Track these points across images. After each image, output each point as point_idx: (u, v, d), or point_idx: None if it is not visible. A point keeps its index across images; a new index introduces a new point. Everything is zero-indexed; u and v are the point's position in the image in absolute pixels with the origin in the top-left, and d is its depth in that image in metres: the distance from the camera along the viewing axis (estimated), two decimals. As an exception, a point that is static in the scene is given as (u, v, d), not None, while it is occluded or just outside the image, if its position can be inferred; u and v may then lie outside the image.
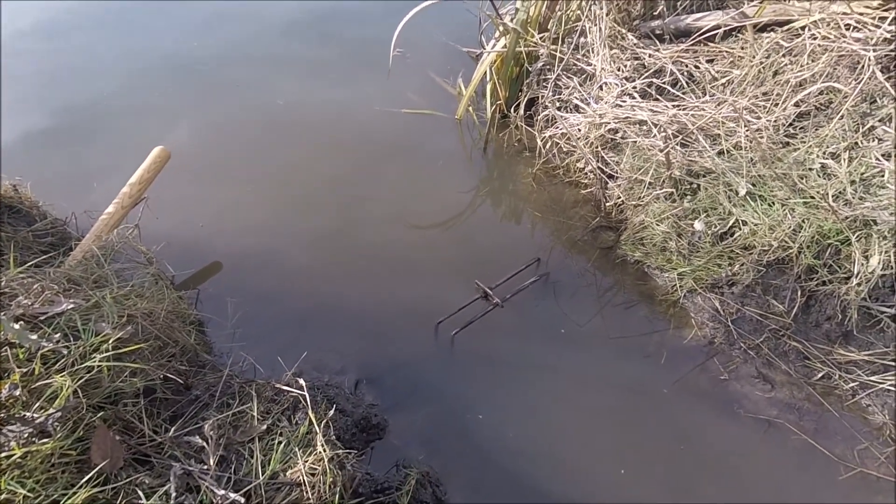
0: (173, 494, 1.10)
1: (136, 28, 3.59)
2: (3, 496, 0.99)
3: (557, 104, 2.58)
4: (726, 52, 2.42)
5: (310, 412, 1.41)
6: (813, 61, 2.17)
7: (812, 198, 1.89)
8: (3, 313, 1.24)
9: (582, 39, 2.60)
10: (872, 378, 1.75)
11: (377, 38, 3.20)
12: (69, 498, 1.02)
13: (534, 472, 1.64)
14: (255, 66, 3.26)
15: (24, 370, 1.16)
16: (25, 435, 1.06)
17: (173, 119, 2.90)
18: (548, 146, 2.57)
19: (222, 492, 1.14)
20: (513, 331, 2.01)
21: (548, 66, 2.64)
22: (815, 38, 2.19)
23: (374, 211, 2.46)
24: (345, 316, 2.05)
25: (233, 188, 2.56)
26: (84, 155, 2.70)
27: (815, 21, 2.22)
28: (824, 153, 1.99)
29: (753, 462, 1.67)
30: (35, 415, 1.09)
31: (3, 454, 1.03)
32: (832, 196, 1.88)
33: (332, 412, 1.47)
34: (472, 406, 1.79)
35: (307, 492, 1.21)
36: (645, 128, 2.25)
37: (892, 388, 1.72)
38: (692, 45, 2.48)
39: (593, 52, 2.53)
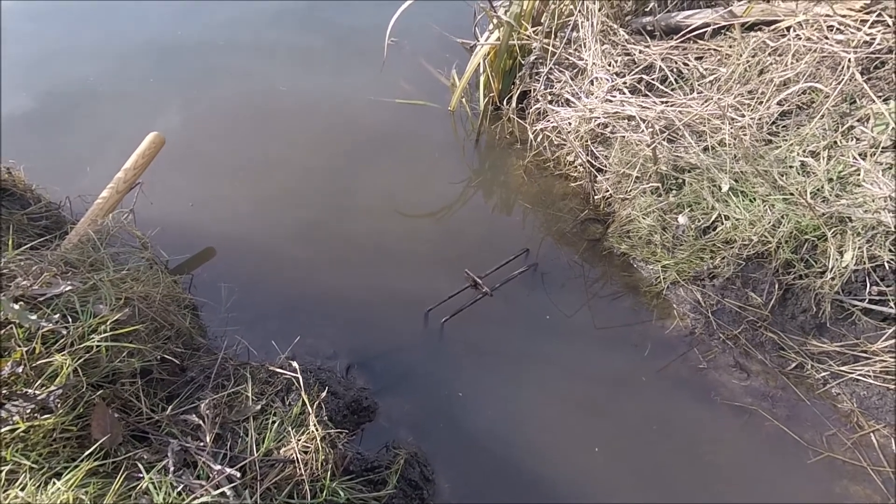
0: (171, 469, 1.15)
1: (120, 11, 3.53)
2: (8, 467, 1.03)
3: (549, 98, 2.62)
4: (714, 49, 2.47)
5: (303, 394, 1.45)
6: (797, 61, 2.22)
7: (791, 194, 1.96)
8: (2, 294, 1.27)
9: (574, 34, 2.64)
10: (843, 368, 1.83)
11: (368, 26, 3.20)
12: (71, 470, 1.06)
13: (516, 452, 1.71)
14: (243, 53, 3.24)
15: (26, 349, 1.19)
16: (28, 410, 1.10)
17: (160, 105, 2.88)
18: (539, 139, 2.62)
19: (218, 467, 1.18)
20: (501, 319, 2.07)
21: (540, 60, 2.68)
22: (799, 39, 2.25)
23: (366, 200, 2.49)
24: (336, 303, 2.09)
25: (223, 175, 2.57)
26: (70, 139, 2.68)
27: (800, 22, 2.27)
28: (804, 151, 2.06)
29: (727, 446, 1.76)
30: (37, 392, 1.13)
31: (8, 428, 1.07)
32: (810, 193, 1.95)
33: (324, 394, 1.52)
34: (460, 391, 1.85)
35: (300, 468, 1.27)
36: (633, 123, 2.31)
37: (861, 378, 1.80)
38: (681, 41, 2.53)
39: (585, 47, 2.57)
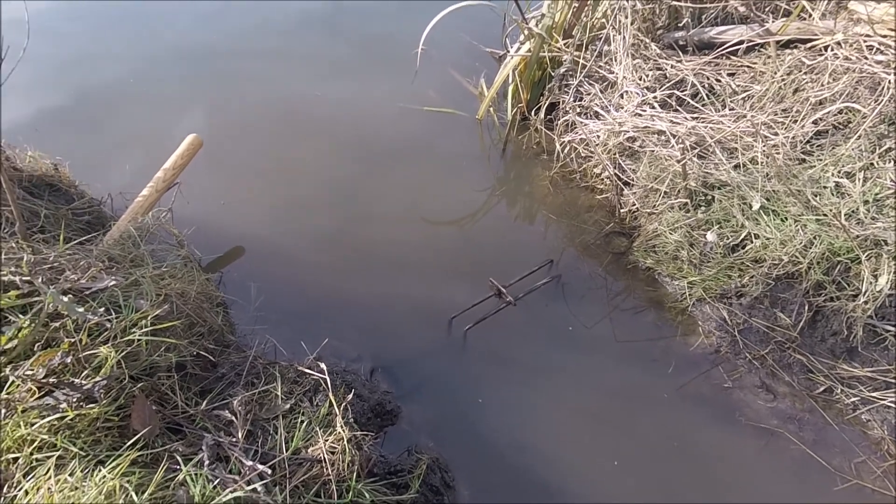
0: (206, 462, 1.18)
1: (148, 14, 3.60)
2: (58, 453, 1.08)
3: (578, 110, 2.62)
4: (748, 66, 2.46)
5: (330, 394, 1.49)
6: (834, 80, 2.20)
7: (825, 215, 1.93)
8: (53, 286, 1.33)
9: (606, 47, 2.64)
10: (874, 394, 1.79)
11: (394, 34, 3.24)
12: (115, 459, 1.11)
13: (535, 462, 1.72)
14: (269, 59, 3.29)
15: (73, 340, 1.25)
16: (75, 399, 1.15)
17: (187, 108, 2.94)
18: (566, 151, 2.62)
19: (250, 463, 1.22)
20: (524, 329, 2.08)
21: (570, 72, 2.69)
22: (837, 58, 2.22)
23: (391, 206, 2.52)
24: (360, 307, 2.12)
25: (253, 177, 2.62)
26: (103, 138, 2.75)
27: (839, 41, 2.25)
28: (839, 172, 2.03)
29: (750, 468, 1.73)
30: (83, 381, 1.18)
31: (57, 415, 1.12)
32: (845, 214, 1.92)
33: (350, 396, 1.55)
34: (481, 398, 1.86)
35: (327, 468, 1.29)
36: (663, 138, 2.30)
37: (893, 405, 1.76)
38: (715, 57, 2.51)
39: (616, 61, 2.58)
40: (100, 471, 1.06)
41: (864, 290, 1.82)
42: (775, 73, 2.32)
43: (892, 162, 1.99)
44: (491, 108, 2.91)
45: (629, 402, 1.89)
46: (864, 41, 2.20)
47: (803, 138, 2.16)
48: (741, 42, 2.47)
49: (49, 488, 1.01)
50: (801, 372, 1.89)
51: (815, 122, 2.17)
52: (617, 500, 1.65)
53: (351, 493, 1.29)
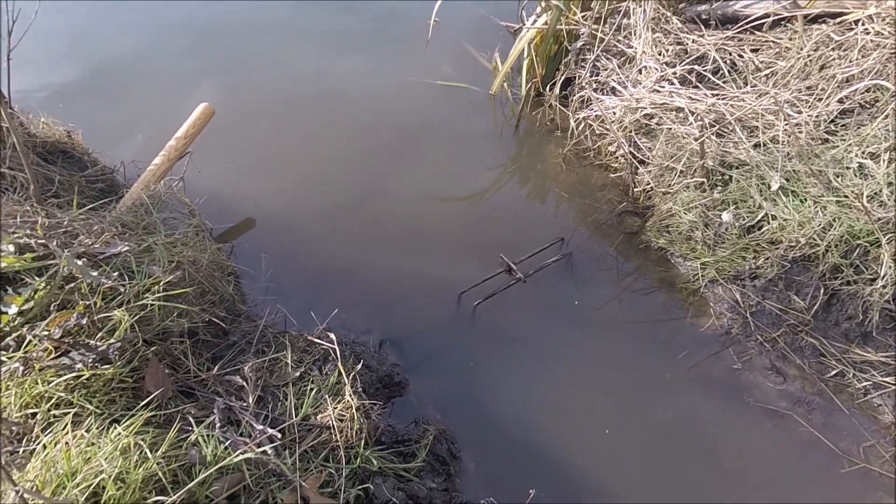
0: (217, 425, 1.21)
1: None
2: (74, 409, 1.11)
3: (594, 85, 2.56)
4: (773, 42, 2.37)
5: (339, 364, 1.50)
6: (863, 57, 2.11)
7: (846, 197, 1.88)
8: (67, 250, 1.35)
9: (625, 21, 2.57)
10: (887, 379, 1.77)
11: (408, 8, 3.17)
12: (129, 418, 1.13)
13: (539, 436, 1.73)
14: (281, 34, 3.23)
15: (87, 303, 1.26)
16: (90, 360, 1.17)
17: (199, 81, 2.90)
18: (580, 127, 2.57)
19: (260, 427, 1.24)
20: (533, 306, 2.07)
21: (588, 46, 2.62)
22: (867, 33, 2.13)
23: (403, 182, 2.50)
24: (371, 281, 2.13)
25: (264, 151, 2.60)
26: (112, 109, 2.74)
27: (870, 15, 2.15)
28: (864, 153, 1.97)
29: (757, 447, 1.73)
30: (98, 343, 1.20)
31: (73, 374, 1.15)
32: (867, 196, 1.87)
33: (359, 366, 1.56)
34: (489, 373, 1.87)
35: (336, 435, 1.31)
36: (681, 115, 2.24)
37: (905, 390, 1.74)
38: (738, 32, 2.43)
39: (635, 35, 2.50)
40: (115, 428, 1.09)
41: (882, 274, 1.78)
42: (801, 49, 2.24)
43: (920, 143, 1.92)
44: (505, 84, 2.85)
45: (637, 381, 1.89)
46: (898, 15, 2.11)
47: (827, 117, 2.10)
48: (767, 16, 2.38)
49: (66, 443, 1.04)
50: (812, 355, 1.87)
51: (840, 101, 2.10)
52: (620, 475, 1.67)
53: (359, 459, 1.32)
